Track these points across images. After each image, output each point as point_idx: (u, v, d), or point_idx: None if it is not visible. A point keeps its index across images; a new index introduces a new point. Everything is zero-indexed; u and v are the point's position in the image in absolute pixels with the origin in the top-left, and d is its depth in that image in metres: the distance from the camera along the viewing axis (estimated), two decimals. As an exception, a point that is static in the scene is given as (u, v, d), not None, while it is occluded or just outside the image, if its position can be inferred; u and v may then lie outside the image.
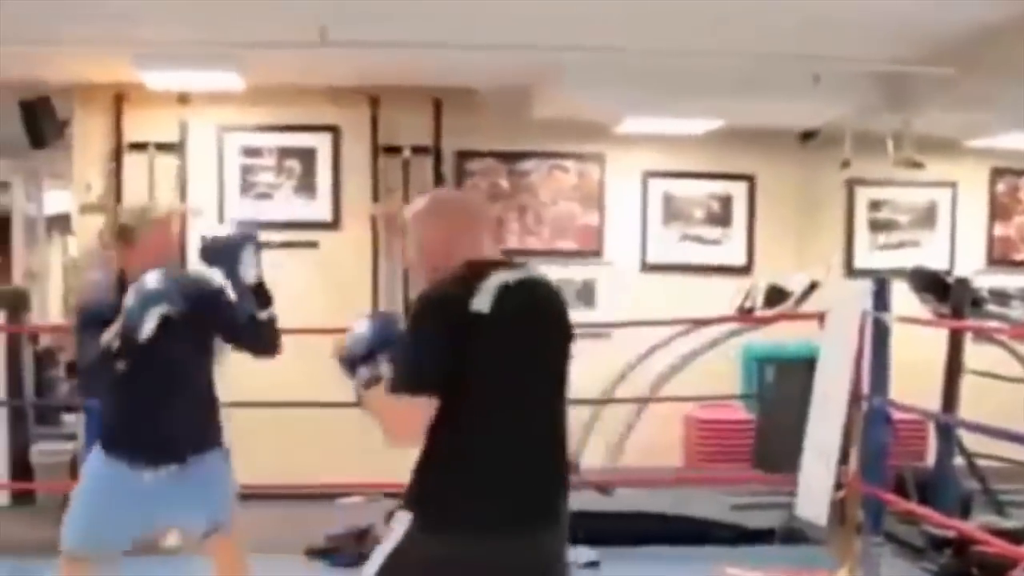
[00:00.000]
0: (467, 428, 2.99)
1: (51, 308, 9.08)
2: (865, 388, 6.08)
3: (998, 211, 8.98)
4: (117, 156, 7.94)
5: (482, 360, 2.97)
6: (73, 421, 8.27)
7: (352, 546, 6.37)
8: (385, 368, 3.13)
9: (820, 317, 6.20)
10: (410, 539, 3.01)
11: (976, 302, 6.98)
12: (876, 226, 8.77)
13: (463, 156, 8.25)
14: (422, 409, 2.96)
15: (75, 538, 4.18)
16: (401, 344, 3.08)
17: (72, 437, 7.87)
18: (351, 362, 3.23)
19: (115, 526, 4.15)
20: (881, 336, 6.33)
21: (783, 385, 7.85)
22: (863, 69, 7.03)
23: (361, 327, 3.27)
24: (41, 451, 7.74)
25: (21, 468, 7.75)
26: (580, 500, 6.56)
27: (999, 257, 8.86)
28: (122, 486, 4.11)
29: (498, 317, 2.94)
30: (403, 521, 3.05)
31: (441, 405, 2.95)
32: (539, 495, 3.08)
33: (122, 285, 4.00)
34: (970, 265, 8.55)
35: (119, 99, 7.91)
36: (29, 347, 8.15)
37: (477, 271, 3.01)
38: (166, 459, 4.13)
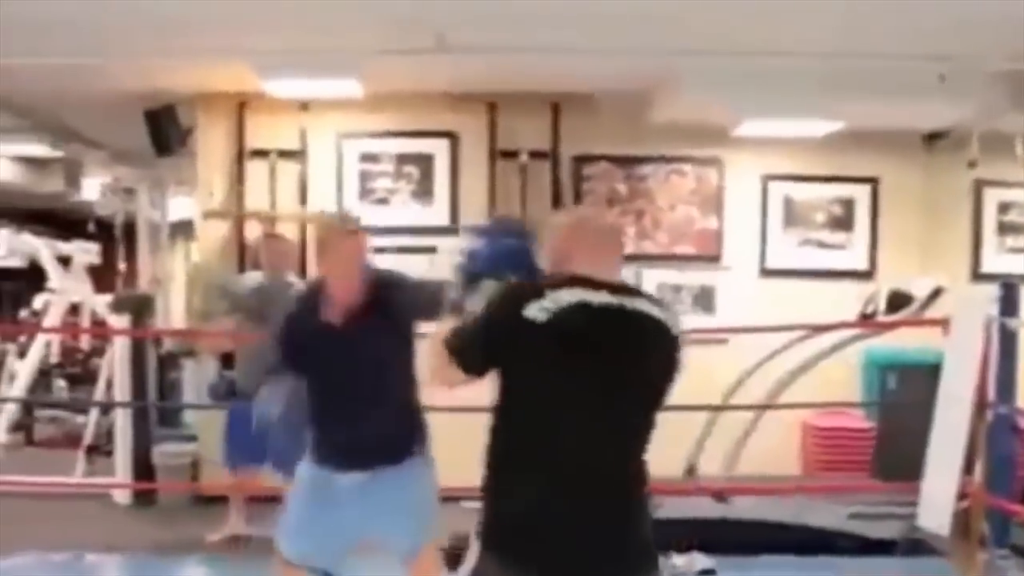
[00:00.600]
0: (510, 450, 3.02)
1: (174, 312, 9.26)
2: (991, 396, 5.93)
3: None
4: (239, 163, 8.10)
5: (526, 368, 2.96)
6: (193, 423, 8.46)
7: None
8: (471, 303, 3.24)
9: (944, 323, 6.04)
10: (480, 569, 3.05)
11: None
12: (1004, 229, 8.53)
13: (580, 161, 8.22)
14: (455, 374, 3.08)
15: (285, 545, 4.19)
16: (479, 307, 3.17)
17: (193, 439, 8.05)
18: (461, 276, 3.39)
19: (316, 533, 4.12)
20: (1008, 342, 6.17)
21: (905, 392, 7.66)
22: (989, 68, 6.84)
23: (479, 243, 3.43)
24: (163, 452, 7.92)
25: (144, 468, 7.94)
26: (696, 507, 6.58)
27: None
28: (320, 492, 4.10)
29: (553, 331, 2.91)
30: (473, 549, 3.05)
31: (495, 409, 3.02)
32: (585, 541, 2.97)
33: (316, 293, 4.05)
34: (1102, 269, 8.28)
35: (241, 107, 8.07)
36: (153, 351, 8.34)
37: (565, 283, 3.00)
38: (358, 466, 4.07)
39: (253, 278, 6.80)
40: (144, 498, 7.87)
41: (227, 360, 6.86)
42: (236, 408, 6.74)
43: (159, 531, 7.18)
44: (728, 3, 5.75)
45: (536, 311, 2.91)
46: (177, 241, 11.05)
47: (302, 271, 7.49)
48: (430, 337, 3.26)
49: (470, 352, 3.05)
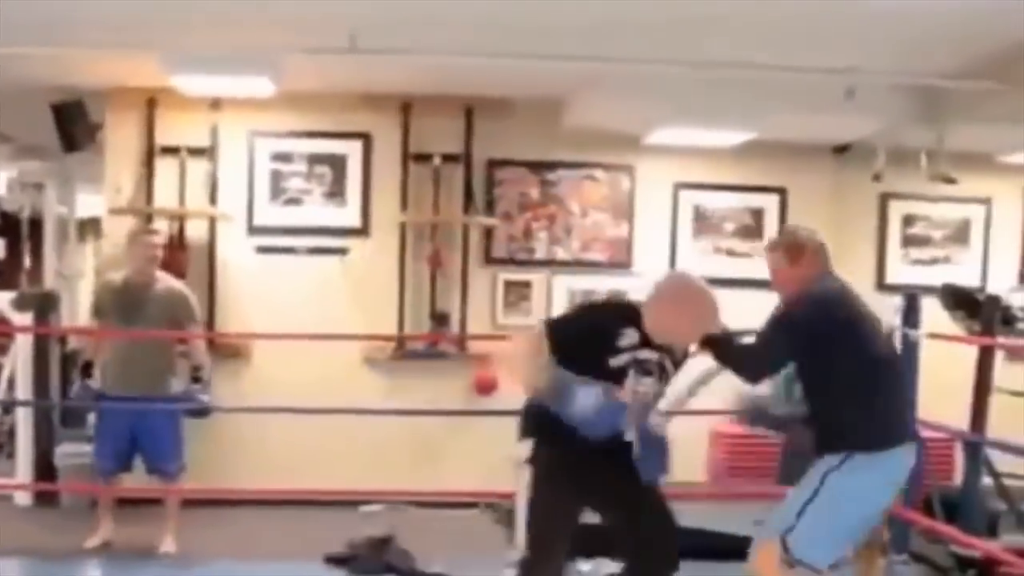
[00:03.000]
0: None
1: (80, 310, 9.08)
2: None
3: (1033, 227, 8.88)
4: (149, 160, 7.97)
5: None
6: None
7: (372, 554, 6.36)
8: None
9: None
10: None
11: (1007, 320, 6.91)
12: (909, 241, 8.70)
13: (494, 165, 8.22)
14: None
15: (820, 555, 4.48)
16: None
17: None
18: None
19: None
20: (910, 352, 6.29)
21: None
22: (898, 83, 6.97)
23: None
24: (65, 453, 7.77)
25: (45, 469, 7.79)
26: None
27: (1034, 276, 8.76)
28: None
29: None
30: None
31: None
32: None
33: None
34: (1003, 282, 8.47)
35: (151, 103, 7.94)
36: (57, 349, 8.18)
37: None
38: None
39: (117, 278, 6.77)
40: (46, 500, 7.72)
41: (86, 368, 6.71)
42: (104, 414, 6.68)
43: (60, 534, 7.04)
44: (642, 12, 5.77)
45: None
46: (86, 238, 10.84)
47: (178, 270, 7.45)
48: None
49: None
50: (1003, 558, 5.61)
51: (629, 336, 4.24)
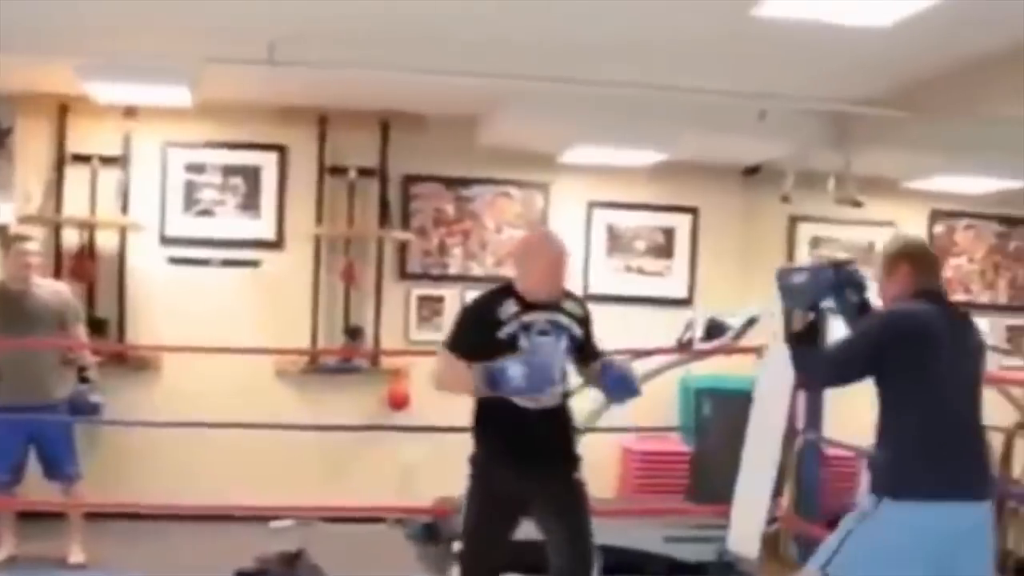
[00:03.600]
0: None
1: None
2: (800, 423, 6.14)
3: (936, 252, 9.06)
4: (59, 167, 7.86)
5: None
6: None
7: (282, 569, 6.32)
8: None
9: (760, 351, 6.23)
10: None
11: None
12: (817, 262, 8.84)
13: (409, 180, 8.25)
14: None
15: None
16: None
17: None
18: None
19: None
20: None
21: (719, 418, 7.88)
22: (809, 107, 7.12)
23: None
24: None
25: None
26: (519, 529, 6.58)
27: (936, 298, 8.95)
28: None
29: None
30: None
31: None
32: None
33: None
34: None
35: (63, 110, 7.82)
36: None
37: None
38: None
39: None
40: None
41: None
42: None
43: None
44: (558, 31, 5.83)
45: None
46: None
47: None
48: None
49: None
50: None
51: (507, 307, 4.41)
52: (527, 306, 4.43)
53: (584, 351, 4.58)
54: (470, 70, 6.54)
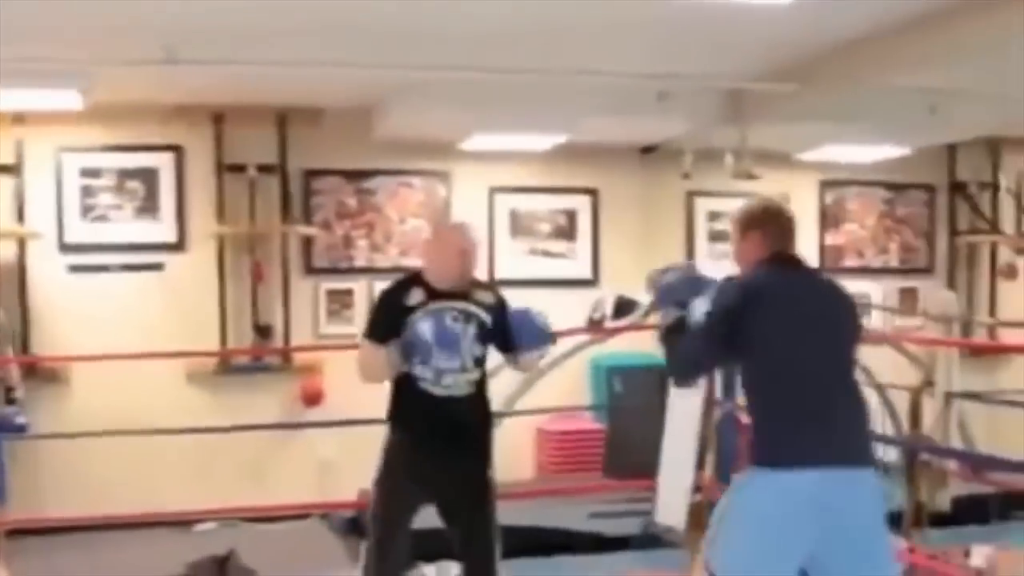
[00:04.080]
0: None
1: None
2: (717, 393, 6.28)
3: (828, 221, 9.35)
4: (-51, 178, 7.67)
5: None
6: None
7: (213, 573, 6.28)
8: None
9: (672, 327, 6.33)
10: None
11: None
12: (715, 237, 9.03)
13: (310, 175, 8.20)
14: None
15: None
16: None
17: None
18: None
19: None
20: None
21: (631, 394, 8.05)
22: (705, 86, 7.26)
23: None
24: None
25: None
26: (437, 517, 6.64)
27: (830, 265, 9.21)
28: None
29: None
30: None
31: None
32: None
33: None
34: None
35: (-53, 118, 7.63)
36: None
37: None
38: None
39: None
40: None
41: None
42: None
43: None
44: (455, 20, 5.85)
45: None
46: None
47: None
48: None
49: None
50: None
51: (415, 295, 4.54)
52: (435, 294, 4.54)
53: (504, 340, 4.66)
54: (366, 61, 6.54)
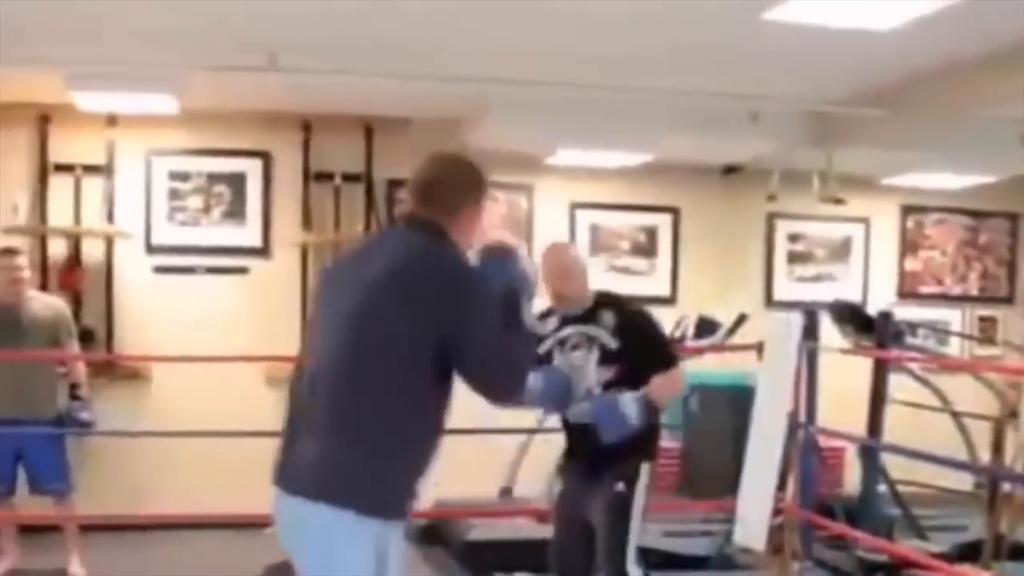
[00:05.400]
0: None
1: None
2: (801, 417, 6.25)
3: (907, 246, 9.29)
4: (42, 177, 7.80)
5: None
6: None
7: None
8: None
9: (758, 348, 6.34)
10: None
11: (896, 335, 7.21)
12: (794, 259, 9.01)
13: (395, 184, 8.24)
14: None
15: None
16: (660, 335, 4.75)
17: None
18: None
19: None
20: (812, 366, 6.53)
21: (708, 413, 8.02)
22: (793, 108, 7.25)
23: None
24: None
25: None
26: (514, 529, 6.70)
27: (908, 291, 9.16)
28: None
29: None
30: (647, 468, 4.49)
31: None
32: None
33: None
34: (882, 298, 8.83)
35: (44, 119, 7.77)
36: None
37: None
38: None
39: None
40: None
41: None
42: None
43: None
44: (542, 36, 5.90)
45: None
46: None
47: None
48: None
49: None
50: (912, 560, 5.85)
51: (549, 323, 4.51)
52: (564, 320, 4.54)
53: (630, 361, 4.45)
54: (452, 75, 6.59)
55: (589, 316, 4.53)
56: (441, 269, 3.00)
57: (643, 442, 4.51)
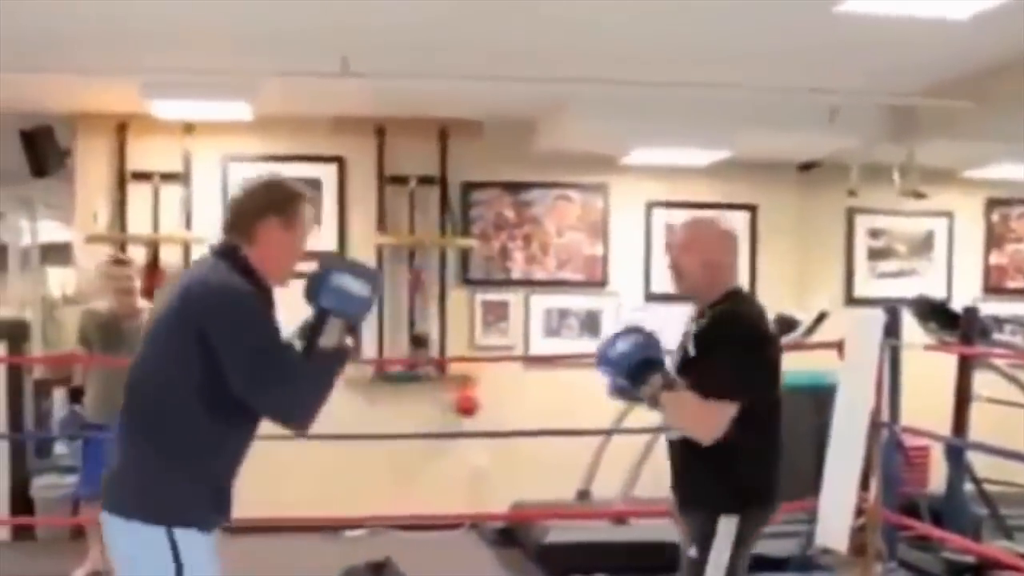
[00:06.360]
0: (765, 433, 3.87)
1: (51, 339, 8.95)
2: (883, 416, 6.14)
3: (992, 240, 9.09)
4: (121, 186, 7.90)
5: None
6: (67, 453, 8.19)
7: (371, 577, 6.35)
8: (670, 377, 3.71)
9: (839, 346, 6.23)
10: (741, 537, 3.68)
11: (983, 331, 7.06)
12: (875, 255, 8.86)
13: (469, 186, 8.26)
14: (728, 414, 3.60)
15: None
16: (723, 352, 3.64)
17: (72, 470, 7.77)
18: (633, 368, 3.72)
19: None
20: (894, 364, 6.42)
21: (788, 413, 7.86)
22: (872, 102, 7.12)
23: (628, 340, 3.76)
24: (42, 485, 7.67)
25: (22, 503, 7.67)
26: (593, 531, 6.66)
27: (994, 285, 8.96)
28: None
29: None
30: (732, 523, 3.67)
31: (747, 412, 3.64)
32: None
33: None
34: (966, 293, 8.65)
35: (122, 128, 7.87)
36: (29, 379, 8.06)
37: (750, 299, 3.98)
38: None
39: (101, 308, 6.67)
40: (23, 533, 7.58)
41: (75, 394, 6.67)
42: (91, 440, 6.58)
43: (38, 566, 6.93)
44: (617, 34, 5.85)
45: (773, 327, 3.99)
46: (48, 265, 10.66)
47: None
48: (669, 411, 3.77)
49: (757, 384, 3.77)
50: (1001, 561, 5.72)
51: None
52: (693, 317, 3.91)
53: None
54: (526, 75, 6.57)
55: (701, 314, 3.83)
56: (208, 293, 3.08)
57: (726, 485, 3.71)
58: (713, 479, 3.70)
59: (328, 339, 3.10)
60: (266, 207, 3.21)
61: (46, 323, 9.48)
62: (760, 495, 3.83)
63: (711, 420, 3.61)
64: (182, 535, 3.10)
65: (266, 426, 6.68)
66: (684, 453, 3.78)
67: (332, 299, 3.13)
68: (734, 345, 3.67)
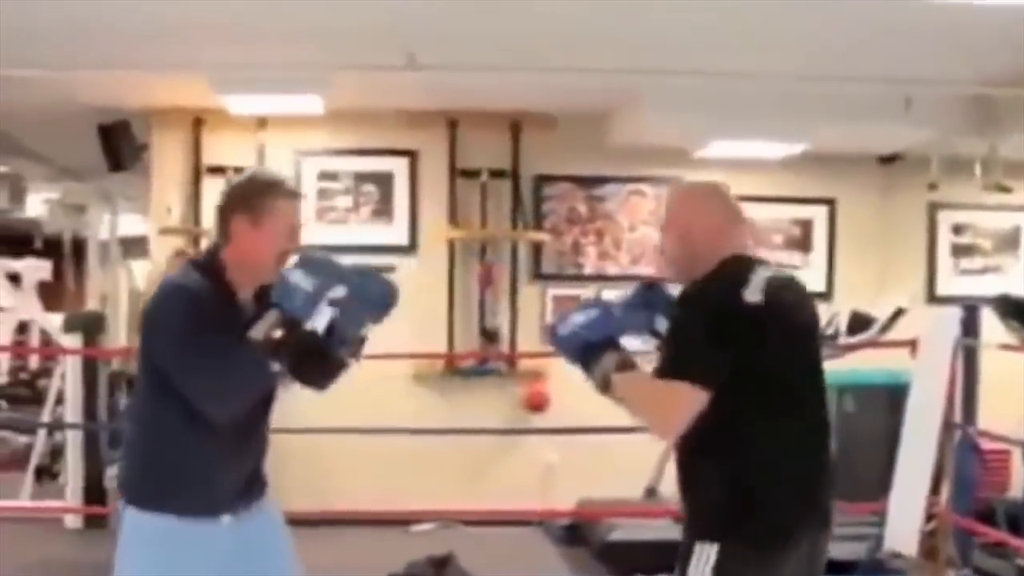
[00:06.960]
0: (766, 437, 2.98)
1: (120, 331, 9.12)
2: (956, 416, 5.97)
3: (1079, 235, 8.81)
4: (196, 180, 7.98)
5: (762, 354, 2.96)
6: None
7: (432, 574, 6.32)
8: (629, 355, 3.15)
9: (912, 344, 6.07)
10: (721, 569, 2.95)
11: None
12: (958, 251, 8.63)
13: (541, 180, 8.20)
14: (689, 399, 2.92)
15: None
16: (678, 333, 3.07)
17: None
18: (582, 346, 3.20)
19: None
20: (971, 364, 6.23)
21: (863, 413, 7.74)
22: (953, 93, 6.93)
23: (582, 315, 3.23)
24: (114, 475, 7.77)
25: (96, 491, 7.79)
26: (660, 529, 6.57)
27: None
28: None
29: (772, 311, 2.96)
30: (708, 552, 2.97)
31: (726, 410, 2.92)
32: (823, 496, 3.12)
33: None
34: (1055, 291, 8.38)
35: (197, 123, 7.96)
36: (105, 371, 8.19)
37: (749, 263, 3.09)
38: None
39: None
40: (95, 521, 7.68)
41: None
42: None
43: (109, 554, 6.99)
44: (691, 25, 5.76)
45: (752, 296, 2.94)
46: (127, 258, 10.85)
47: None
48: (623, 397, 3.11)
49: (708, 361, 2.93)
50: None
51: None
52: None
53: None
54: (600, 67, 6.48)
55: None
56: (158, 292, 3.17)
57: (705, 502, 3.08)
58: (693, 491, 3.14)
59: (256, 331, 2.97)
60: (235, 204, 3.17)
61: (131, 317, 9.64)
62: (751, 522, 2.98)
63: (666, 405, 2.97)
64: (187, 524, 3.16)
65: (335, 420, 6.79)
66: (678, 455, 3.18)
67: (276, 293, 3.00)
68: (688, 317, 3.07)
